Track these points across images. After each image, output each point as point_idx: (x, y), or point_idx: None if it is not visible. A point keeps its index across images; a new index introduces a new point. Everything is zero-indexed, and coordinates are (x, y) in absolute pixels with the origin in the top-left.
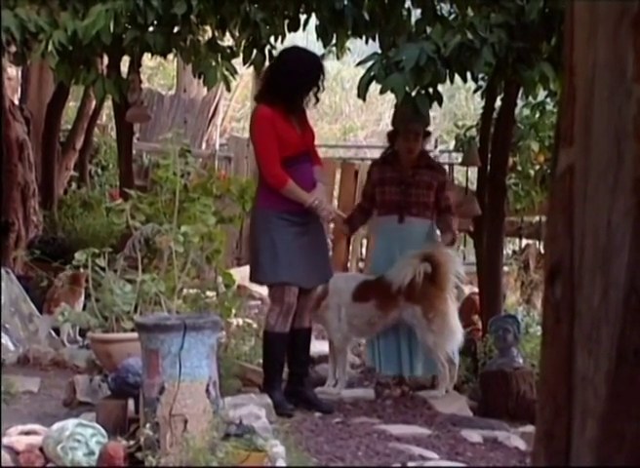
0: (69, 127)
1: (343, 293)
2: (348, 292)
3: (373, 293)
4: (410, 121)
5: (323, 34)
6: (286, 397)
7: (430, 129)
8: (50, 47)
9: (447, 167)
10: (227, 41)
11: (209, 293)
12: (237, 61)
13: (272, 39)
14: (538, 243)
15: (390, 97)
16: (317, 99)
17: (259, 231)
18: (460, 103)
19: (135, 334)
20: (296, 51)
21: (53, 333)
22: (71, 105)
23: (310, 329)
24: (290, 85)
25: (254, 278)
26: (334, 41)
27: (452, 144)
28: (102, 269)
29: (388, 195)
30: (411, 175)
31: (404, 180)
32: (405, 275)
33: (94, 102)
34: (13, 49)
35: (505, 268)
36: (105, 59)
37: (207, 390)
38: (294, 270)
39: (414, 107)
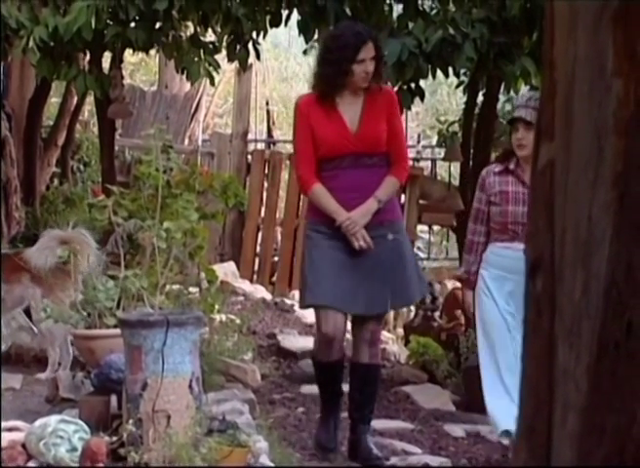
0: (51, 123)
1: None
2: None
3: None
4: (519, 107)
5: (305, 29)
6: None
7: (412, 125)
8: (31, 43)
9: (429, 162)
10: (210, 36)
11: (192, 289)
12: (220, 57)
13: (254, 34)
14: None
15: None
16: (379, 79)
17: (303, 244)
18: (442, 99)
19: (117, 331)
20: (339, 26)
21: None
22: (53, 101)
23: (370, 366)
24: (323, 67)
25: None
26: (316, 36)
27: (434, 140)
28: None
29: (512, 216)
30: None
31: None
32: (46, 257)
33: (75, 98)
34: None
35: None
36: (87, 55)
37: (190, 386)
38: (323, 289)
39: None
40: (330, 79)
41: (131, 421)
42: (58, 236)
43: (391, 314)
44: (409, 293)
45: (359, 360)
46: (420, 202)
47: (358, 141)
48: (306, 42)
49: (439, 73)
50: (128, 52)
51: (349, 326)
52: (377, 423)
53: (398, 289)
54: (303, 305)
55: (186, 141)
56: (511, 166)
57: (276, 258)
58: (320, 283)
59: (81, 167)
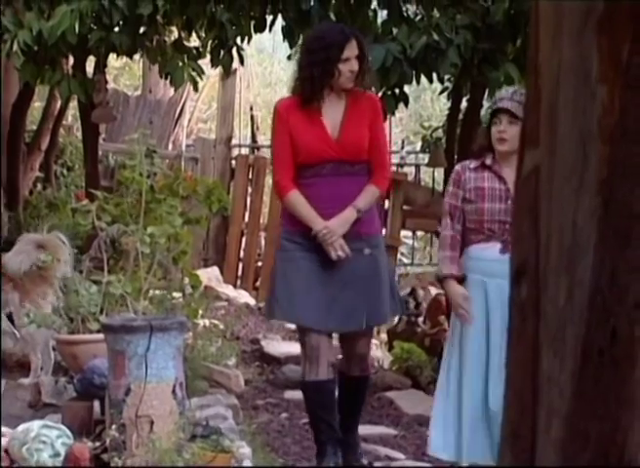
0: (34, 127)
1: None
2: None
3: None
4: (503, 99)
5: (289, 35)
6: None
7: (396, 131)
8: (15, 47)
9: (413, 168)
10: (194, 42)
11: (175, 295)
12: (204, 62)
13: (239, 40)
14: None
15: None
16: (362, 81)
17: (275, 255)
18: (426, 104)
19: (101, 336)
20: (319, 27)
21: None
22: (36, 106)
23: (360, 378)
24: (307, 69)
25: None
26: (300, 42)
27: (418, 145)
28: None
29: (489, 214)
30: None
31: (510, 194)
32: (21, 261)
33: (59, 103)
34: None
35: None
36: (71, 60)
37: (173, 391)
38: (294, 307)
39: None
40: (315, 81)
41: (114, 427)
42: (34, 240)
43: None
44: (382, 312)
45: (350, 373)
46: (404, 207)
47: (339, 148)
48: (291, 47)
49: (423, 79)
50: (112, 56)
51: (337, 342)
52: (360, 429)
53: (372, 307)
54: (271, 317)
55: (170, 146)
56: (488, 161)
57: (260, 264)
58: (290, 299)
59: (64, 171)
